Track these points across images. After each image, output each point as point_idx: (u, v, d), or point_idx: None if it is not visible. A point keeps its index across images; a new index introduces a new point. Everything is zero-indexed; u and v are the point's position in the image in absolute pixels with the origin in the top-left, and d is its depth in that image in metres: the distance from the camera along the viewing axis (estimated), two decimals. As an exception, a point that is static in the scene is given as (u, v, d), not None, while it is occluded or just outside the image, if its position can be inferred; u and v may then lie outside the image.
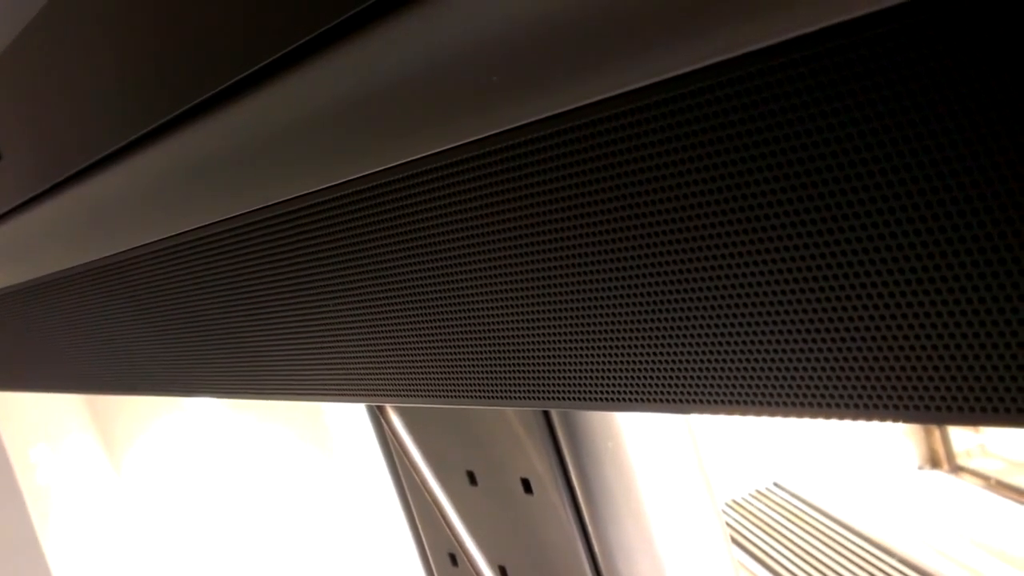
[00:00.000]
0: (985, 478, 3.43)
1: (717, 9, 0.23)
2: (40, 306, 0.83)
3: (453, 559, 0.85)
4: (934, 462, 3.63)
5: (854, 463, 3.53)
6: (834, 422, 0.29)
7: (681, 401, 0.34)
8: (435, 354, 0.44)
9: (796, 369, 0.29)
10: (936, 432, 3.58)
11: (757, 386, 0.31)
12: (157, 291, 0.63)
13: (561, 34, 0.26)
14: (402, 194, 0.38)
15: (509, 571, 0.79)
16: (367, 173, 0.39)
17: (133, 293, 0.66)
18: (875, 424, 0.28)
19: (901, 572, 2.95)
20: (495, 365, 0.41)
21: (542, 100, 0.29)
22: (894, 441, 3.57)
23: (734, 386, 0.31)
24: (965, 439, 3.56)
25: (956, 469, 3.56)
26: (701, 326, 0.31)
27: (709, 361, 0.32)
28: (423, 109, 0.33)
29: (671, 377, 0.34)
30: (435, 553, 0.87)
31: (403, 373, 0.48)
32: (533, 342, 0.38)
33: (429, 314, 0.42)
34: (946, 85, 0.21)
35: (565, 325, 0.36)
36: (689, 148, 0.27)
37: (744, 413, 0.32)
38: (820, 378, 0.28)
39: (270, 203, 0.45)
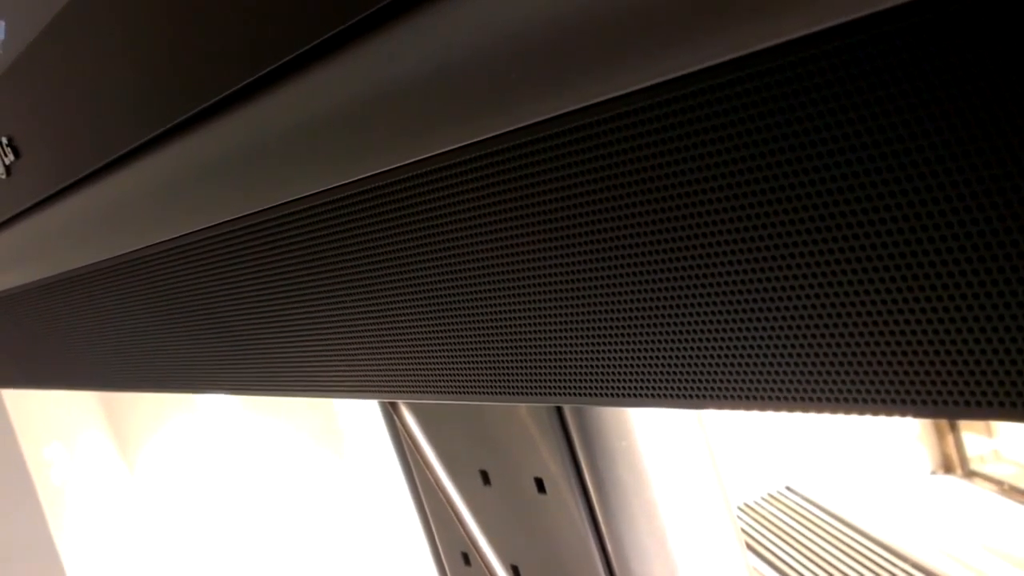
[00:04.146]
0: (998, 483, 3.41)
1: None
2: (57, 304, 0.83)
3: (466, 558, 0.85)
4: (947, 467, 3.60)
5: (867, 467, 3.51)
6: (847, 422, 0.29)
7: (694, 396, 0.34)
8: (449, 349, 0.45)
9: (810, 363, 0.29)
10: (949, 437, 3.55)
11: (770, 380, 0.31)
12: (172, 289, 0.63)
13: (579, 30, 0.27)
14: (417, 191, 0.38)
15: (522, 571, 0.79)
16: (383, 170, 0.39)
17: (148, 291, 0.66)
18: (888, 422, 0.28)
19: (913, 577, 2.93)
20: (509, 359, 0.41)
21: (560, 97, 0.29)
22: (907, 445, 3.55)
23: (747, 380, 0.31)
24: (978, 444, 3.53)
25: (969, 474, 3.54)
26: (717, 320, 0.31)
27: (724, 355, 0.32)
28: (440, 106, 0.33)
29: (685, 371, 0.34)
30: (448, 552, 0.87)
31: (417, 369, 0.48)
32: (547, 336, 0.38)
33: (442, 309, 0.43)
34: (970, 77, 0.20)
35: (580, 318, 0.36)
36: (715, 142, 0.27)
37: (757, 408, 0.32)
38: (833, 372, 0.28)
39: (285, 200, 0.45)
